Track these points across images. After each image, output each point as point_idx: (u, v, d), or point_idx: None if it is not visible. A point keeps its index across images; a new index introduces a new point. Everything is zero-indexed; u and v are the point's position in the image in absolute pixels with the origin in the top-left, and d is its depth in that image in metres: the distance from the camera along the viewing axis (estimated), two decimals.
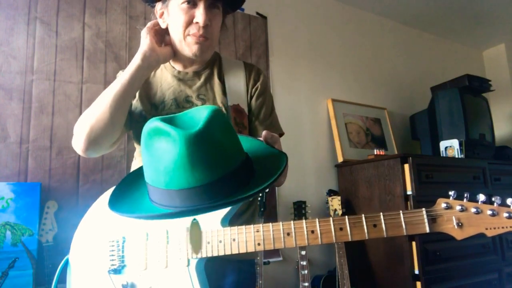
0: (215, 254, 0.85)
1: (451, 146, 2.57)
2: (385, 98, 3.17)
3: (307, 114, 2.68)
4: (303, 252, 2.06)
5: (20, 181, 1.66)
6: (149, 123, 0.74)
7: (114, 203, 0.82)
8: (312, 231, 0.80)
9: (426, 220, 0.75)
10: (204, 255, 0.86)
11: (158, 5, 1.07)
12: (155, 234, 0.92)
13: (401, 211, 0.76)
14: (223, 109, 1.07)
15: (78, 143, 1.00)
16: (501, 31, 3.66)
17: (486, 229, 0.71)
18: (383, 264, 2.29)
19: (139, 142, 0.99)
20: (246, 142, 0.85)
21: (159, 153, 0.71)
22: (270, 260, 2.21)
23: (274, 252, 2.25)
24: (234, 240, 0.84)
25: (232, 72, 1.15)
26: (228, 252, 0.85)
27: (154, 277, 0.89)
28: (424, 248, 2.10)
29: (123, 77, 1.00)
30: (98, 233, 0.98)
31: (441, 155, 2.61)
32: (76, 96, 1.86)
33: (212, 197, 0.72)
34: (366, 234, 0.76)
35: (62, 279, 0.99)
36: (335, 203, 2.34)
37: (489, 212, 0.72)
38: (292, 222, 0.81)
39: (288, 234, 0.81)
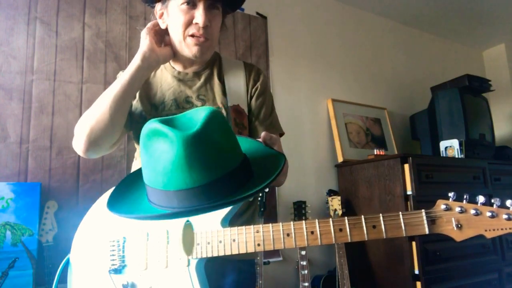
0: (215, 254, 0.85)
1: (451, 146, 2.57)
2: (385, 98, 3.17)
3: (307, 114, 2.68)
4: (303, 252, 2.06)
5: (20, 181, 1.66)
6: (148, 125, 0.75)
7: (112, 204, 0.82)
8: (312, 232, 0.80)
9: (425, 222, 0.75)
10: (204, 256, 0.86)
11: (158, 6, 1.07)
12: (155, 234, 0.92)
13: (400, 213, 0.76)
14: (223, 110, 1.07)
15: (79, 144, 1.00)
16: (501, 31, 3.66)
17: (486, 230, 0.71)
18: (383, 264, 2.29)
19: (139, 142, 1.00)
20: (245, 143, 0.85)
21: (157, 154, 0.72)
22: (270, 260, 2.21)
23: (274, 252, 2.25)
24: (234, 240, 0.85)
25: (232, 72, 1.15)
26: (228, 253, 0.85)
27: (154, 277, 0.89)
28: (424, 248, 2.10)
29: (123, 78, 1.00)
30: (99, 233, 0.99)
31: (441, 155, 2.61)
32: (76, 96, 1.86)
33: (210, 197, 0.72)
34: (366, 235, 0.76)
35: (63, 279, 0.99)
36: (335, 203, 2.34)
37: (489, 214, 0.72)
38: (292, 223, 0.82)
39: (288, 235, 0.81)
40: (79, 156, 1.79)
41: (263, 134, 0.87)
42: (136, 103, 1.10)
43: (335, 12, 3.04)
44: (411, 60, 3.47)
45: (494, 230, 0.71)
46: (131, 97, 1.03)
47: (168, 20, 1.05)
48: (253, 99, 1.14)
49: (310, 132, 2.66)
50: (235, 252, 0.84)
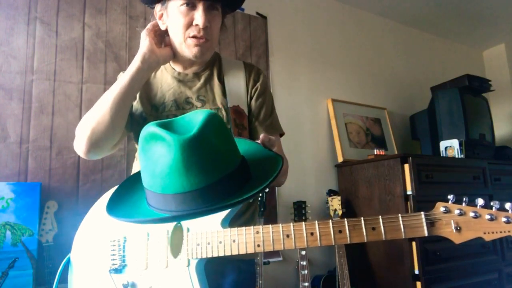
0: (215, 255, 0.86)
1: (451, 146, 2.57)
2: (385, 98, 3.17)
3: (307, 114, 2.68)
4: (303, 252, 2.07)
5: (20, 181, 1.66)
6: (146, 128, 0.75)
7: (111, 207, 0.82)
8: (312, 233, 0.80)
9: (424, 224, 0.75)
10: (204, 256, 0.87)
11: (157, 7, 1.07)
12: (156, 234, 0.93)
13: (400, 215, 0.77)
14: (223, 111, 1.07)
15: (80, 146, 1.00)
16: (501, 31, 3.66)
17: (484, 233, 0.71)
18: (383, 264, 2.30)
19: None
20: (244, 145, 0.85)
21: (155, 158, 0.72)
22: (270, 260, 2.21)
23: (274, 252, 2.25)
24: (234, 241, 0.85)
25: (232, 73, 1.15)
26: (228, 253, 0.85)
27: (154, 276, 0.90)
28: (424, 248, 2.10)
29: (123, 79, 1.00)
30: (100, 233, 0.99)
31: (441, 155, 2.61)
32: (76, 96, 1.86)
33: (207, 201, 0.72)
34: (365, 237, 0.76)
35: (63, 279, 1.00)
36: (335, 203, 2.34)
37: (488, 217, 0.72)
38: (291, 224, 0.82)
39: (288, 236, 0.81)
40: (79, 156, 1.80)
41: (262, 136, 0.87)
42: (136, 104, 1.10)
43: (335, 12, 3.04)
44: (411, 60, 3.47)
45: (493, 232, 0.71)
46: (131, 98, 1.04)
47: (168, 21, 1.05)
48: (253, 100, 1.14)
49: (310, 132, 2.67)
50: (235, 252, 0.85)
